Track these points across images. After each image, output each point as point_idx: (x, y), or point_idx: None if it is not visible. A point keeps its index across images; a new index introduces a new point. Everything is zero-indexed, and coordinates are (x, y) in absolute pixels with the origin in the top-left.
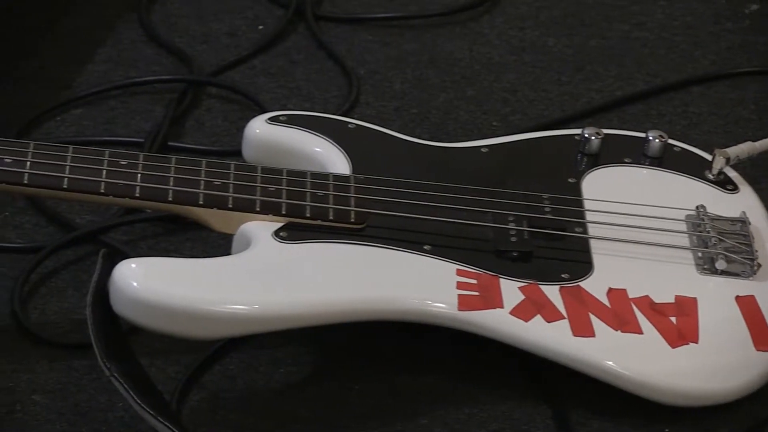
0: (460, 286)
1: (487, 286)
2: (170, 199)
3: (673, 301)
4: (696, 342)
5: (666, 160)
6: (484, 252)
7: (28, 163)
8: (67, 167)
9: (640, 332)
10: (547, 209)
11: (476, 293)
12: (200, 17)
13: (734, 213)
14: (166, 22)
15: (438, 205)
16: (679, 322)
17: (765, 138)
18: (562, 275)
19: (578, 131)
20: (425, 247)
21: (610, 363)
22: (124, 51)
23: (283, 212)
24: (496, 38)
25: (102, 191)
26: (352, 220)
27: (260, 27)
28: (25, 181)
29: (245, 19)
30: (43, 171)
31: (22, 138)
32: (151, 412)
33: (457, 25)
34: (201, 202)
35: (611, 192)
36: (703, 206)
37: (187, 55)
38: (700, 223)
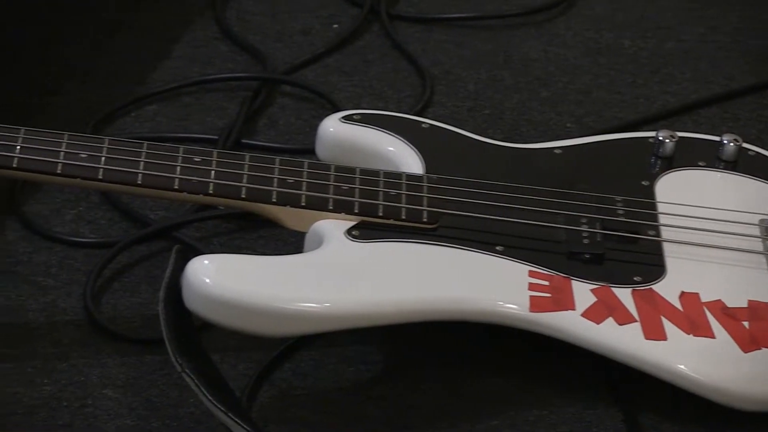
0: (532, 287)
1: (559, 287)
2: (243, 196)
3: (745, 305)
4: None
5: (740, 164)
6: (557, 253)
7: (103, 158)
8: (142, 163)
9: (713, 336)
10: (620, 211)
11: (548, 295)
12: (275, 15)
13: None
14: (241, 19)
15: (511, 205)
16: (751, 327)
17: None
18: (635, 278)
19: (652, 134)
20: (497, 248)
21: (682, 366)
22: (199, 48)
23: (356, 211)
24: (571, 39)
25: (176, 187)
26: (425, 219)
27: (335, 25)
28: (100, 177)
29: (320, 18)
30: (117, 167)
31: (97, 134)
32: (222, 409)
33: (532, 26)
34: (274, 200)
35: (685, 195)
36: None
37: (261, 53)
38: None
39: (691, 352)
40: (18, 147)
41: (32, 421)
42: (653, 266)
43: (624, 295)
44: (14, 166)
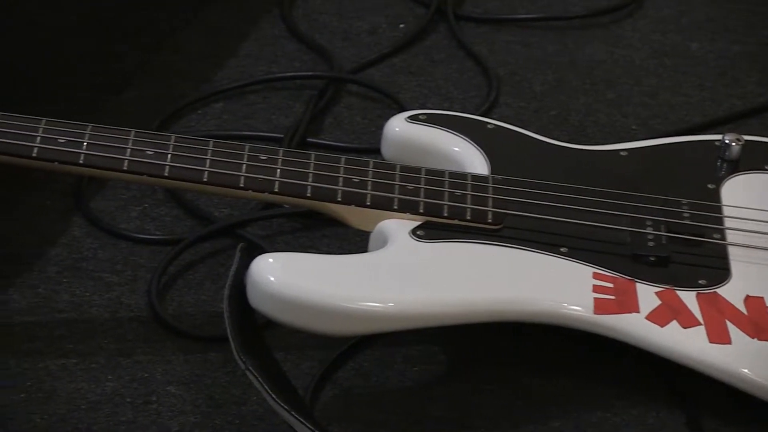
0: (596, 289)
1: (623, 290)
2: (308, 195)
3: None
4: None
5: None
6: (621, 256)
7: (169, 155)
8: (208, 161)
9: None
10: (685, 214)
11: (612, 297)
12: (342, 14)
13: None
14: (307, 18)
15: (576, 207)
16: None
17: None
18: (699, 281)
19: (719, 137)
20: (562, 250)
21: (746, 371)
22: (265, 46)
23: (421, 211)
24: (638, 41)
25: (241, 185)
26: (490, 220)
27: (401, 25)
28: (166, 174)
29: (386, 17)
30: (183, 164)
31: (163, 130)
32: (285, 407)
33: (598, 27)
34: (339, 199)
35: (751, 199)
36: None
37: (327, 52)
38: None
39: (756, 356)
40: (85, 143)
41: (95, 417)
42: (718, 270)
43: (688, 298)
44: (81, 162)
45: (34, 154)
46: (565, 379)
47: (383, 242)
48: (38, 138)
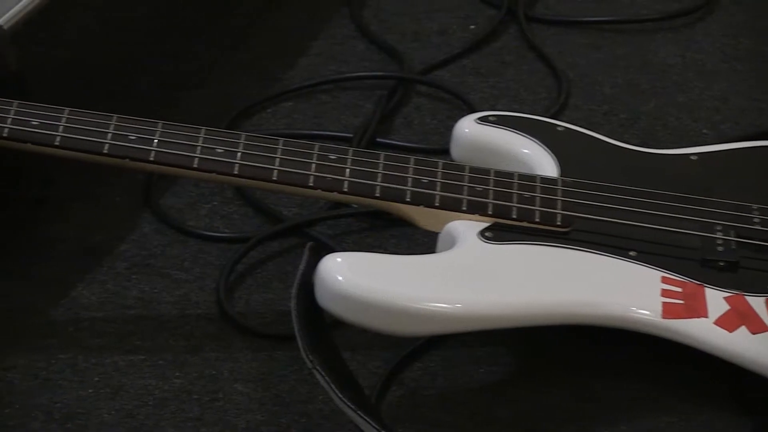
0: (665, 293)
1: (692, 294)
2: (377, 195)
3: None
4: None
5: None
6: (690, 260)
7: (239, 154)
8: (277, 159)
9: None
10: (756, 220)
11: (681, 301)
12: (412, 15)
13: None
14: (378, 18)
15: (645, 211)
16: None
17: None
18: None
19: None
20: (631, 253)
21: None
22: (335, 46)
23: (490, 212)
24: (709, 45)
25: (310, 185)
26: (558, 223)
27: (472, 26)
28: (236, 172)
29: (457, 18)
30: (253, 162)
31: (233, 129)
32: (352, 406)
33: (670, 30)
34: (408, 200)
35: None
36: None
37: (397, 53)
38: None
39: None
40: (155, 140)
41: (162, 414)
42: None
43: (758, 304)
44: (151, 159)
45: (105, 151)
46: (632, 382)
47: (451, 243)
48: (109, 135)
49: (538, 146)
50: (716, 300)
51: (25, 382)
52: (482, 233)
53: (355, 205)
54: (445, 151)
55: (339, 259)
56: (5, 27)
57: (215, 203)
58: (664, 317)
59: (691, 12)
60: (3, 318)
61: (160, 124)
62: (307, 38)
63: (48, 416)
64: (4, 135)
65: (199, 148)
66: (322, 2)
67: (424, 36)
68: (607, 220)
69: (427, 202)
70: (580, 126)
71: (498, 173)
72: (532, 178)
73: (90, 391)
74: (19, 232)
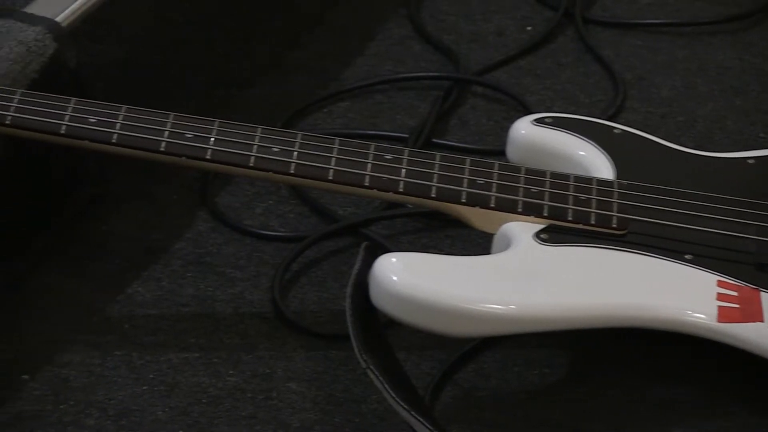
0: (720, 297)
1: (747, 298)
2: (433, 195)
3: None
4: None
5: None
6: (746, 264)
7: (295, 153)
8: (333, 159)
9: None
10: None
11: (736, 306)
12: (469, 16)
13: None
14: (435, 19)
15: (701, 214)
16: None
17: None
18: None
19: None
20: (686, 257)
21: None
22: (392, 46)
23: (545, 214)
24: (767, 49)
25: (366, 184)
26: (614, 225)
27: (528, 28)
28: (292, 171)
29: (513, 20)
30: (309, 162)
31: (289, 128)
32: (405, 407)
33: (728, 34)
34: (463, 200)
35: None
36: None
37: (454, 53)
38: None
39: None
40: (212, 139)
41: (216, 411)
42: None
43: None
44: (208, 157)
45: (161, 149)
46: (685, 386)
47: (506, 245)
48: (166, 133)
49: (594, 148)
50: None
51: (81, 379)
52: (537, 235)
53: (411, 206)
54: (500, 153)
55: (394, 259)
56: (63, 24)
57: (271, 202)
58: (719, 321)
59: (750, 15)
60: (59, 314)
61: (216, 123)
62: (364, 38)
63: (102, 413)
64: (62, 132)
65: (255, 146)
66: (379, 2)
67: (480, 37)
68: (663, 223)
69: (482, 203)
70: (637, 128)
71: (554, 175)
72: (588, 180)
73: (144, 388)
74: (76, 230)
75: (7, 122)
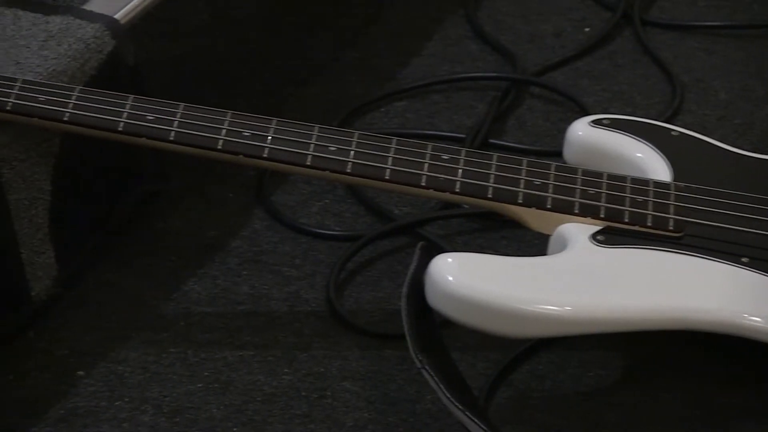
0: None
1: None
2: (489, 196)
3: None
4: None
5: None
6: None
7: (352, 152)
8: (390, 158)
9: None
10: None
11: None
12: (526, 16)
13: None
14: (492, 19)
15: (759, 217)
16: None
17: None
18: None
19: None
20: (743, 260)
21: None
22: (449, 46)
23: (602, 216)
24: None
25: (423, 184)
26: (671, 227)
27: (586, 29)
28: (348, 170)
29: (571, 21)
30: (366, 161)
31: (345, 127)
32: (460, 407)
33: None
34: (520, 201)
35: None
36: None
37: (511, 54)
38: None
39: None
40: (269, 137)
41: (271, 410)
42: None
43: None
44: (265, 156)
45: (218, 147)
46: (743, 390)
47: (562, 246)
48: (224, 131)
49: (651, 150)
50: None
51: (136, 376)
52: (594, 236)
53: (467, 206)
54: (557, 154)
55: (450, 260)
56: (122, 22)
57: (327, 201)
58: None
59: None
60: (115, 311)
61: (274, 121)
62: (421, 38)
63: (157, 410)
64: (120, 129)
65: (312, 145)
66: (437, 2)
67: (538, 37)
68: (719, 226)
69: (539, 204)
70: (695, 131)
71: (611, 176)
72: (645, 182)
73: (199, 385)
74: (133, 227)
75: (65, 119)
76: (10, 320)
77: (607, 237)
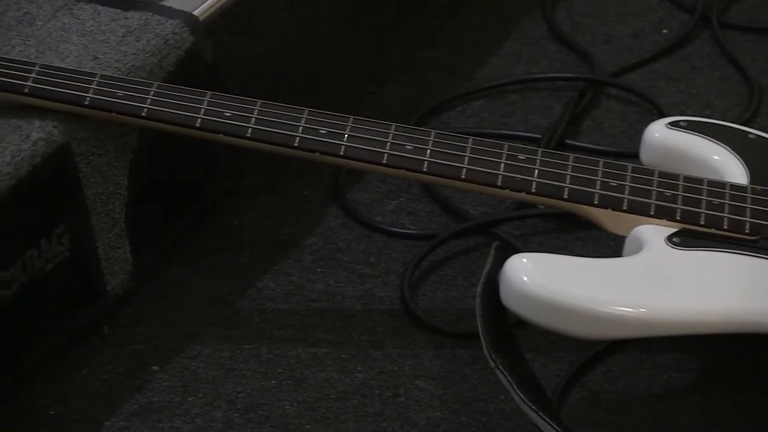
0: None
1: None
2: (565, 196)
3: None
4: None
5: None
6: None
7: (428, 151)
8: (466, 158)
9: None
10: None
11: None
12: (604, 17)
13: None
14: (570, 20)
15: None
16: None
17: None
18: None
19: None
20: None
21: None
22: (526, 46)
23: (678, 218)
24: None
25: (499, 184)
26: (747, 231)
27: (664, 31)
28: (424, 169)
29: (649, 22)
30: (442, 160)
31: (422, 126)
32: (533, 407)
33: None
34: (596, 202)
35: None
36: None
37: (589, 54)
38: None
39: None
40: (346, 135)
41: (343, 407)
42: None
43: None
44: (341, 154)
45: (295, 144)
46: None
47: (638, 247)
48: (300, 128)
49: (728, 153)
50: None
51: (210, 371)
52: (669, 238)
53: (542, 206)
54: (633, 155)
55: (525, 260)
56: (201, 18)
57: (402, 199)
58: None
59: None
60: (190, 306)
61: (350, 119)
62: (498, 38)
63: (231, 406)
64: (197, 125)
65: (388, 144)
66: (515, 2)
67: (615, 38)
68: None
69: (615, 205)
70: None
71: (687, 179)
72: (721, 184)
73: (273, 382)
74: (209, 223)
75: (143, 114)
76: (86, 314)
77: (683, 239)
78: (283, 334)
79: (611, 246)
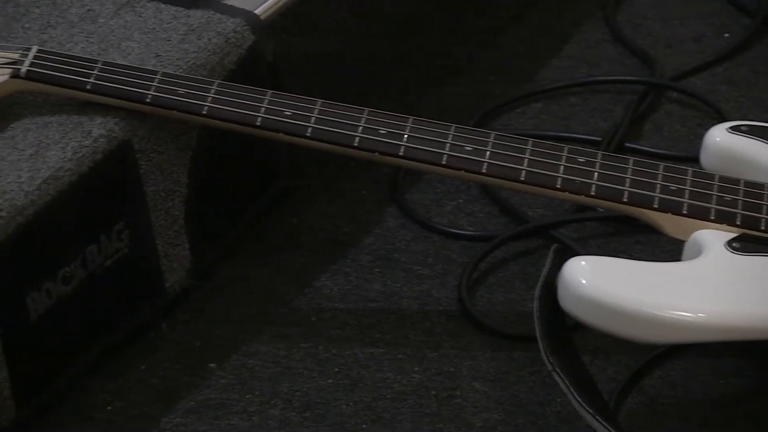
0: None
1: None
2: (625, 200)
3: None
4: None
5: None
6: None
7: (488, 152)
8: (526, 160)
9: None
10: None
11: None
12: (666, 20)
13: None
14: (631, 23)
15: None
16: None
17: None
18: None
19: None
20: None
21: None
22: (588, 49)
23: (738, 223)
24: None
25: (558, 186)
26: None
27: (726, 35)
28: (484, 171)
29: (711, 26)
30: (501, 162)
31: (482, 127)
32: (590, 411)
33: None
34: (655, 206)
35: None
36: None
37: (650, 58)
38: None
39: None
40: (405, 136)
41: (400, 408)
42: None
43: None
44: (400, 154)
45: (355, 144)
46: None
47: (697, 252)
48: (360, 128)
49: None
50: None
51: (267, 369)
52: (729, 243)
53: (601, 209)
54: (694, 159)
55: (583, 263)
56: (262, 17)
57: (460, 201)
58: None
59: None
60: (247, 304)
61: (410, 120)
62: (559, 40)
63: (287, 404)
64: (257, 124)
65: (448, 145)
66: (576, 5)
67: (677, 42)
68: None
69: (674, 209)
70: None
71: (748, 184)
72: None
73: (329, 381)
74: (268, 221)
75: (204, 112)
76: (144, 311)
77: (743, 244)
78: (340, 333)
79: (670, 250)
